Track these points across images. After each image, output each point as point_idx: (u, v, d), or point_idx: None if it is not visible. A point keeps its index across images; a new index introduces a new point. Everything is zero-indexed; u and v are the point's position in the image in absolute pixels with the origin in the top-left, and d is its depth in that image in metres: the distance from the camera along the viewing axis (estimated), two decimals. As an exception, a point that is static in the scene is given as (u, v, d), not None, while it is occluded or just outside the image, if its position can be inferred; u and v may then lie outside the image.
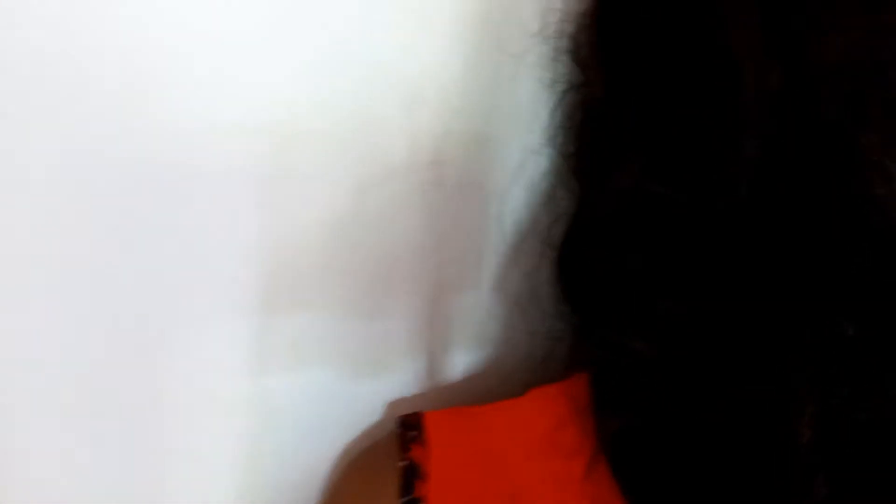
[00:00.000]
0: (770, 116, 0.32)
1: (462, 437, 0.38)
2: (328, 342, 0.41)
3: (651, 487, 0.33)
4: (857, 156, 0.31)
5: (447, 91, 0.41)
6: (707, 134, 0.35)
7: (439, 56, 0.40)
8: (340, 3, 0.37)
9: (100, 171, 0.34)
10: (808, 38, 0.32)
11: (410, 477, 0.37)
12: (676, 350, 0.35)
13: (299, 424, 0.41)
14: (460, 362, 0.45)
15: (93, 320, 0.36)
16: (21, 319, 0.35)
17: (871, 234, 0.30)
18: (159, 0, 0.34)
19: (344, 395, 0.42)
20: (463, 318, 0.45)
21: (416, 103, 0.40)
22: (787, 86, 0.32)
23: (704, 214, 0.35)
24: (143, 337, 0.37)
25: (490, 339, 0.45)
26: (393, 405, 0.43)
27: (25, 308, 0.35)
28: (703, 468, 0.32)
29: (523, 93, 0.43)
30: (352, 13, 0.38)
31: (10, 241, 0.34)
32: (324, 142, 0.39)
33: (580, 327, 0.44)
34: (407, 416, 0.40)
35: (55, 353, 0.35)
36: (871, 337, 0.30)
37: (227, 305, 0.38)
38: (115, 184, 0.35)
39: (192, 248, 0.37)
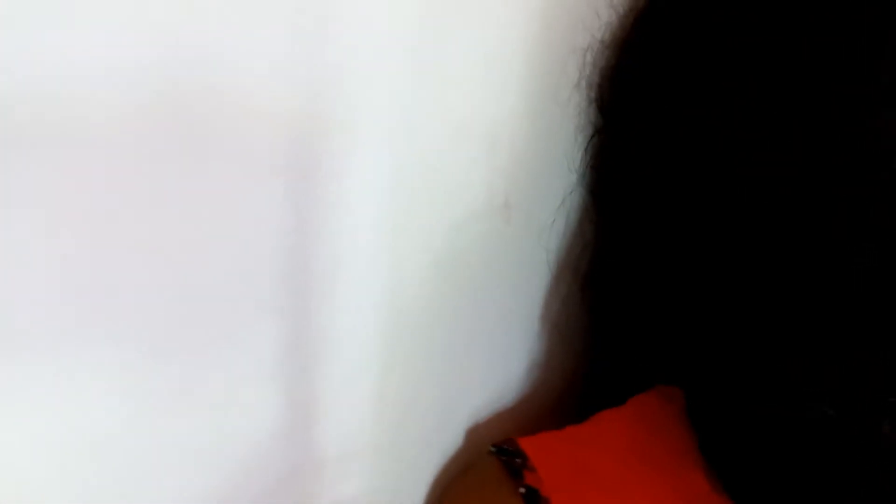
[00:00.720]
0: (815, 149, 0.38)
1: (565, 458, 0.41)
2: (426, 363, 0.42)
3: (753, 490, 0.39)
4: None
5: (515, 139, 0.44)
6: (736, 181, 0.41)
7: (509, 108, 0.43)
8: (441, 70, 0.38)
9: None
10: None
11: (534, 502, 0.40)
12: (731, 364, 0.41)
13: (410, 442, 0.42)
14: (520, 383, 0.48)
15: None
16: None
17: None
18: None
19: (437, 427, 0.44)
20: (517, 345, 0.48)
21: (492, 151, 0.43)
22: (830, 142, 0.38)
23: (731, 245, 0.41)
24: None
25: (537, 363, 0.49)
26: (471, 431, 0.45)
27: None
28: (799, 469, 0.38)
29: (566, 137, 0.47)
30: (438, 76, 0.39)
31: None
32: (420, 183, 0.40)
33: (612, 346, 0.49)
34: (501, 442, 0.42)
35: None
36: None
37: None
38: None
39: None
